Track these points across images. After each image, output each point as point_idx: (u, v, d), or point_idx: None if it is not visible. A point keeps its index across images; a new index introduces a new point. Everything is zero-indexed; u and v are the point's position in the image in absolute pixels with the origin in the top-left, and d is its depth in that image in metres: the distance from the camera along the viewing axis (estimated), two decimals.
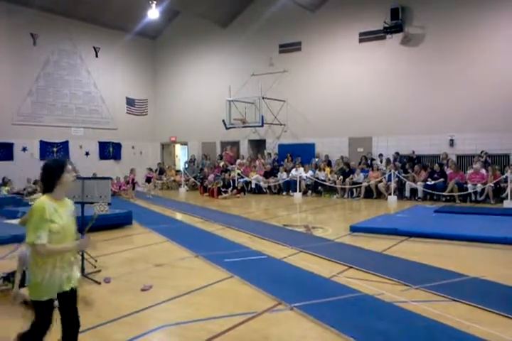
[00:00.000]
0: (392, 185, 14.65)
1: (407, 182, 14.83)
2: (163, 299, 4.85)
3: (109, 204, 5.74)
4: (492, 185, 13.64)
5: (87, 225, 5.96)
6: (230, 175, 17.59)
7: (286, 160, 18.65)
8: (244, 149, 20.98)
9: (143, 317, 4.41)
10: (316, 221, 10.58)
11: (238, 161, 19.71)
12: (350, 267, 6.07)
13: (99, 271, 6.02)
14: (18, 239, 7.52)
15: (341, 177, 16.04)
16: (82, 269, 5.72)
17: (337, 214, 12.42)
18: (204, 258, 6.60)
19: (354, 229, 8.83)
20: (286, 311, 4.46)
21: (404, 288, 5.16)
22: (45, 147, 19.08)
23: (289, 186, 16.91)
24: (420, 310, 4.40)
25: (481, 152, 15.40)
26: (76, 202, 5.97)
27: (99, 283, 5.44)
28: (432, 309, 4.43)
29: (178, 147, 24.20)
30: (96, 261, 6.44)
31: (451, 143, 16.34)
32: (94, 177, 8.40)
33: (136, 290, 5.19)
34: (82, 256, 5.87)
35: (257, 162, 18.94)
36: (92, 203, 5.80)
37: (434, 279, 5.38)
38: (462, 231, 8.02)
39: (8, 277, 5.20)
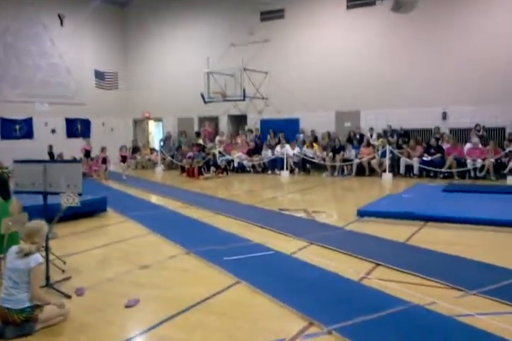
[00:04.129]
0: (387, 161, 13.71)
1: (402, 158, 13.91)
2: (156, 320, 3.68)
3: (79, 194, 4.48)
4: (493, 160, 12.83)
5: (52, 220, 4.75)
6: (209, 153, 16.34)
7: (268, 136, 17.49)
8: (224, 125, 19.68)
9: None
10: (313, 203, 9.50)
11: (217, 138, 18.44)
12: (378, 264, 5.03)
13: (68, 277, 4.80)
14: None
15: (331, 153, 15.00)
16: (47, 277, 4.49)
17: (333, 194, 11.41)
18: (198, 256, 5.45)
19: (362, 214, 7.81)
20: (322, 336, 3.37)
21: (458, 293, 4.14)
22: (6, 124, 17.39)
23: (275, 164, 15.82)
24: (496, 329, 3.38)
25: (476, 125, 14.56)
26: (37, 192, 4.75)
27: (70, 297, 4.24)
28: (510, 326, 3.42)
29: (151, 123, 22.68)
30: (64, 263, 5.23)
31: (444, 116, 15.43)
32: (61, 161, 7.06)
33: (118, 307, 4.02)
34: (47, 257, 4.63)
35: (239, 139, 17.70)
36: (57, 193, 4.54)
37: (487, 279, 4.39)
38: (487, 215, 7.06)
39: None
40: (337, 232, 6.66)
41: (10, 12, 17.25)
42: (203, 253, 5.54)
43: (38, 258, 3.53)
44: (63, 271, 4.97)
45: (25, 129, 17.87)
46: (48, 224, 4.61)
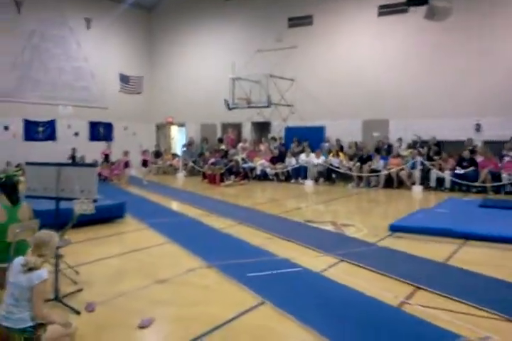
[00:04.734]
0: (418, 173, 13.13)
1: (433, 171, 13.30)
2: None
3: (94, 201, 4.13)
4: None
5: (65, 227, 4.40)
6: (232, 159, 15.98)
7: (293, 144, 17.06)
8: (247, 132, 19.32)
9: None
10: (341, 216, 9.04)
11: (240, 145, 18.08)
12: (418, 287, 4.54)
13: (80, 289, 4.43)
14: None
15: (358, 163, 14.47)
16: (56, 289, 4.13)
17: (361, 206, 10.89)
18: (219, 271, 5.04)
19: (395, 228, 7.30)
20: None
21: (511, 325, 3.65)
22: (29, 126, 17.38)
23: (299, 173, 15.35)
24: None
25: (511, 138, 13.88)
26: (48, 197, 4.41)
27: (79, 313, 3.87)
28: None
29: (174, 129, 22.47)
30: (77, 273, 4.87)
31: (478, 127, 14.76)
32: (74, 164, 6.75)
33: (130, 326, 3.63)
34: (57, 267, 4.27)
35: (262, 146, 17.32)
36: (70, 199, 4.19)
37: None
38: None
39: None
40: (370, 249, 6.17)
41: (36, 14, 17.28)
42: (224, 267, 5.13)
43: (43, 274, 3.14)
44: (75, 283, 4.61)
45: (48, 131, 17.83)
46: (61, 230, 4.28)
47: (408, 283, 4.65)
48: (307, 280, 4.81)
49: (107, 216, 7.67)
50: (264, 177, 16.11)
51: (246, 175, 15.64)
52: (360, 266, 5.28)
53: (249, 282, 4.59)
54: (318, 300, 4.19)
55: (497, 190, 12.66)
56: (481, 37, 14.41)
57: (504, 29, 14.12)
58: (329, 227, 7.69)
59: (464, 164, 13.17)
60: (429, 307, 4.02)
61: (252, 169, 16.36)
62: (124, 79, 20.57)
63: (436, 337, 3.39)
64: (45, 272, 3.16)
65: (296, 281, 4.72)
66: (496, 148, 14.24)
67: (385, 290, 4.46)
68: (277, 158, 16.24)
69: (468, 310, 3.97)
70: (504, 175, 12.45)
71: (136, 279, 4.82)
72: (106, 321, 3.76)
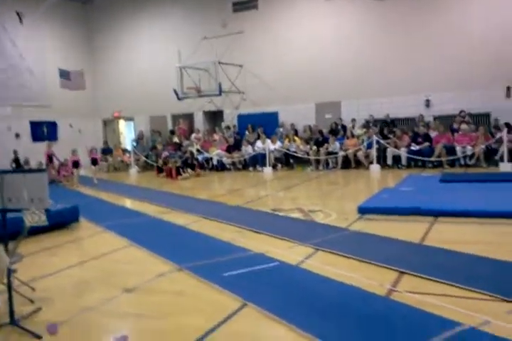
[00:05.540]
0: (374, 152, 13.15)
1: (389, 149, 13.36)
2: None
3: (46, 210, 3.66)
4: (483, 147, 12.41)
5: (14, 238, 3.93)
6: (186, 151, 15.49)
7: (247, 132, 16.77)
8: (199, 122, 18.85)
9: None
10: (306, 201, 8.83)
11: (193, 135, 17.59)
12: (402, 272, 4.37)
13: (38, 309, 3.97)
14: None
15: (315, 147, 14.36)
16: (11, 311, 3.66)
17: (323, 190, 10.75)
18: (192, 273, 4.67)
19: (363, 211, 7.16)
20: None
21: (507, 306, 3.51)
22: None
23: (256, 160, 15.08)
24: None
25: (460, 112, 14.15)
26: None
27: (40, 337, 3.43)
28: None
29: (122, 123, 21.63)
30: (33, 290, 4.40)
31: (427, 103, 14.96)
32: (21, 170, 6.12)
33: None
34: (9, 287, 3.78)
35: (216, 136, 16.90)
36: (18, 211, 3.71)
37: None
38: (501, 207, 6.51)
39: None
40: (343, 234, 5.98)
41: None
42: (196, 268, 4.77)
43: None
44: (32, 301, 4.13)
45: None
46: (11, 242, 3.81)
47: (390, 269, 4.47)
48: (287, 274, 4.53)
49: (59, 221, 7.09)
50: (221, 167, 15.74)
51: (202, 166, 15.23)
52: (338, 254, 5.07)
53: (226, 283, 4.26)
54: (302, 296, 3.92)
55: (452, 163, 12.89)
56: (429, 13, 14.50)
57: (455, 5, 14.24)
58: (297, 215, 7.48)
59: (419, 140, 13.32)
60: (418, 293, 3.84)
61: (208, 160, 15.96)
62: (64, 74, 19.36)
63: (436, 325, 3.19)
64: None
65: (275, 277, 4.44)
66: (445, 122, 14.50)
67: (368, 278, 4.26)
68: (233, 147, 15.91)
69: (458, 292, 3.82)
70: (458, 149, 12.66)
71: (101, 290, 4.39)
72: None
